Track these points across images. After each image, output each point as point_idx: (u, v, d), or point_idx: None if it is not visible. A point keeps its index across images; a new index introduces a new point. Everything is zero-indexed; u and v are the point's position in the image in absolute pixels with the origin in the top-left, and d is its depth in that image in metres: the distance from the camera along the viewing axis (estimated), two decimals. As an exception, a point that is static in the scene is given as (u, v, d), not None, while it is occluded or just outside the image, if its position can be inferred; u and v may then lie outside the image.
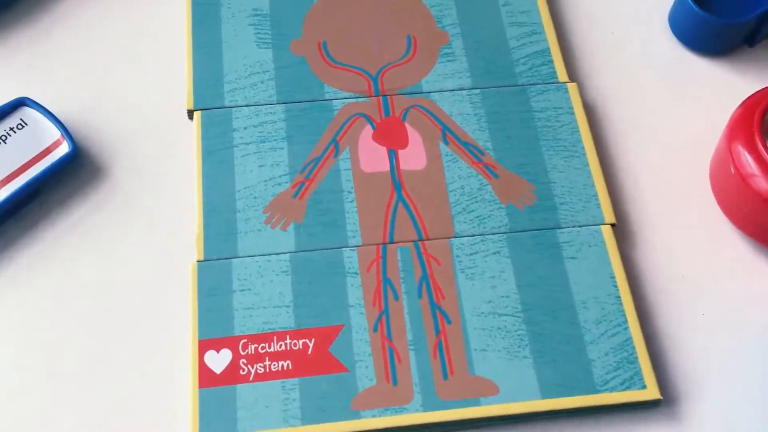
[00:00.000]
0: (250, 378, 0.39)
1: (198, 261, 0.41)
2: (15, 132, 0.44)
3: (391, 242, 0.42)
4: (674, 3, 0.50)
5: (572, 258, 0.42)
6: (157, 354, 0.40)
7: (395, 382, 0.39)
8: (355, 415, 0.38)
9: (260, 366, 0.39)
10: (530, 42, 0.49)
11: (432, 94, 0.47)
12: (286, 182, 0.44)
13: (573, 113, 0.46)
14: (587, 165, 0.44)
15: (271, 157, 0.45)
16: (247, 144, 0.45)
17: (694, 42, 0.50)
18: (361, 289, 0.41)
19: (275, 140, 0.45)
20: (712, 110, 0.48)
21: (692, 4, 0.47)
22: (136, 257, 0.43)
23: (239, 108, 0.46)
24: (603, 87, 0.49)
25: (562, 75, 0.47)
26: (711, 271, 0.43)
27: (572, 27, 0.51)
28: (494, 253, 0.42)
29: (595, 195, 0.44)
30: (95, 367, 0.40)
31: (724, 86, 0.49)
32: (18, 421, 0.39)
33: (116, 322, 0.41)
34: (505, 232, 0.42)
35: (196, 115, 0.46)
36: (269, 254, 0.42)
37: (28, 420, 0.39)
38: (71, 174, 0.45)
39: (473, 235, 0.42)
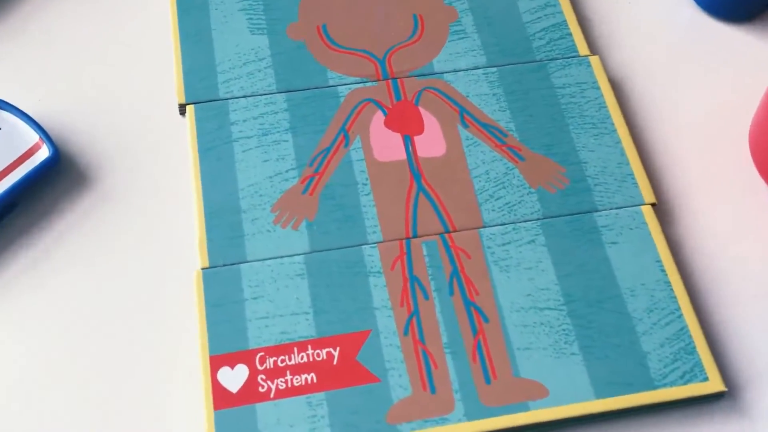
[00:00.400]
0: (271, 395, 0.35)
1: (202, 269, 0.37)
2: (-12, 137, 0.40)
3: (415, 236, 0.38)
4: (692, -32, 0.47)
5: (613, 243, 0.38)
6: (164, 376, 0.36)
7: (433, 390, 0.35)
8: (392, 429, 0.34)
9: (281, 381, 0.35)
10: (545, 15, 0.45)
11: (445, 74, 0.43)
12: (294, 177, 0.40)
13: (598, 88, 0.43)
14: (619, 142, 0.41)
15: (275, 151, 0.41)
16: (248, 138, 0.41)
17: (717, 8, 0.47)
18: (386, 289, 0.37)
19: (278, 132, 0.41)
20: (742, 78, 0.45)
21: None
22: (132, 269, 0.39)
23: (236, 99, 0.42)
24: (625, 60, 0.45)
25: (582, 48, 0.44)
26: (760, 248, 0.40)
27: (585, -1, 0.48)
28: (529, 242, 0.38)
29: (631, 174, 0.40)
30: (95, 397, 0.35)
31: (752, 53, 0.46)
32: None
33: (114, 343, 0.37)
34: (538, 219, 0.39)
35: (189, 109, 0.42)
36: (281, 257, 0.38)
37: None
38: (53, 181, 0.41)
39: (504, 224, 0.39)
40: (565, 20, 0.45)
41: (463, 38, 0.44)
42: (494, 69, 0.43)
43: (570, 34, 0.44)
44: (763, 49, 0.46)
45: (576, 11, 0.46)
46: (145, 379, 0.36)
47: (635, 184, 0.40)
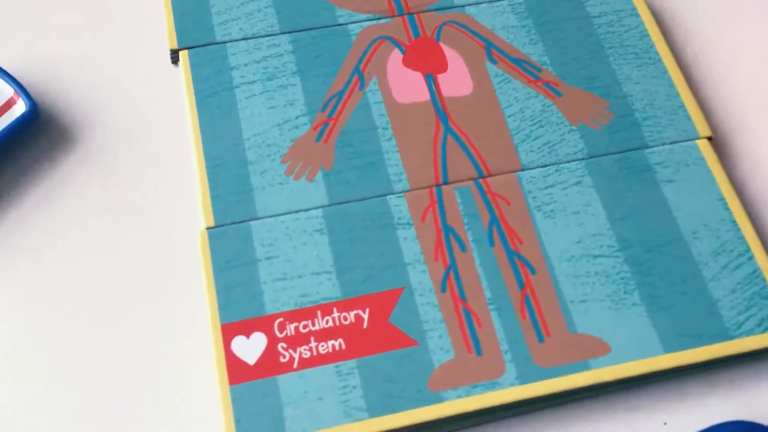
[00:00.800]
0: (294, 365, 0.30)
1: (207, 228, 0.33)
2: (-44, 92, 0.36)
3: (446, 183, 0.34)
4: None
5: (669, 181, 0.34)
6: (172, 350, 0.31)
7: (479, 352, 0.31)
8: (436, 397, 0.30)
9: (305, 349, 0.30)
10: (571, -59, 0.41)
11: (467, 7, 0.39)
12: (305, 124, 0.35)
13: (638, 15, 0.38)
14: (666, 72, 0.37)
15: (282, 97, 0.36)
16: (251, 83, 0.36)
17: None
18: (417, 242, 0.33)
19: (284, 76, 0.37)
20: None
21: None
22: (127, 235, 0.34)
23: (235, 42, 0.37)
24: (660, -12, 0.41)
25: (615, -25, 0.40)
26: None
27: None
28: (574, 184, 0.34)
29: (682, 106, 0.36)
30: (100, 378, 0.31)
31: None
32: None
33: (113, 319, 0.32)
34: (582, 159, 0.35)
35: (182, 55, 0.37)
36: (297, 211, 0.33)
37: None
38: (34, 140, 0.36)
39: (545, 166, 0.35)
40: (594, -55, 0.41)
41: (483, -31, 0.40)
42: None
43: (601, -40, 0.40)
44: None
45: (603, -62, 0.42)
46: (151, 356, 0.31)
47: (688, 116, 0.36)
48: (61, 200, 0.35)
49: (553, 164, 0.34)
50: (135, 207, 0.35)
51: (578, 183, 0.34)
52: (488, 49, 0.37)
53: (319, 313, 0.31)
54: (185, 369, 0.31)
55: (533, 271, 0.32)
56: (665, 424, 0.30)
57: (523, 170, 0.34)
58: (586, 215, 0.33)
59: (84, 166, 0.36)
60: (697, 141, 0.35)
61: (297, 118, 0.35)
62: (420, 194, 0.34)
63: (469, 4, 0.39)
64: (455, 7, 0.38)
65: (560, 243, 0.33)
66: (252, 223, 0.33)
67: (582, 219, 0.33)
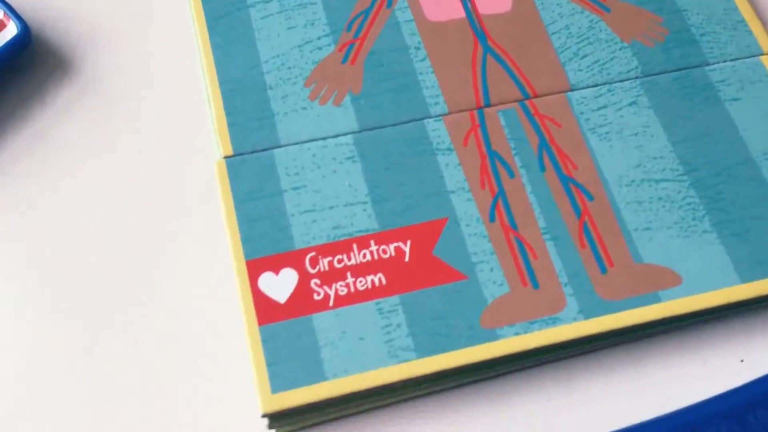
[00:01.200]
0: (330, 303, 0.27)
1: (225, 157, 0.30)
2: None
3: (488, 106, 0.31)
4: None
5: (734, 99, 0.31)
6: (191, 292, 0.28)
7: (536, 285, 0.27)
8: (490, 335, 0.26)
9: (341, 285, 0.27)
10: None
11: None
12: (329, 45, 0.32)
13: (687, -74, 0.35)
14: (721, -14, 0.34)
15: (302, 16, 0.33)
16: (266, 2, 0.33)
17: None
18: (460, 168, 0.29)
19: (303, -5, 0.33)
20: None
21: None
22: (133, 167, 0.31)
23: (247, -41, 0.34)
24: None
25: None
26: None
27: None
28: (630, 104, 0.31)
29: (743, 21, 0.33)
30: (117, 322, 0.28)
31: None
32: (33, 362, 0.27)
33: (127, 260, 0.29)
34: (637, 77, 0.32)
35: (190, -26, 0.34)
36: (324, 138, 0.30)
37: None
38: (27, 66, 0.32)
39: (596, 85, 0.31)
40: None
41: None
42: None
43: None
44: None
45: None
46: (168, 301, 0.28)
47: (749, 32, 0.33)
48: (59, 132, 0.31)
49: (605, 84, 0.31)
50: (141, 138, 0.31)
51: (634, 103, 0.31)
52: (526, -37, 0.34)
53: (354, 246, 0.28)
54: (207, 312, 0.28)
55: (590, 198, 0.29)
56: (742, 361, 0.28)
57: (572, 90, 0.31)
58: (645, 137, 0.30)
59: (84, 94, 0.32)
60: (761, 57, 0.32)
61: (319, 38, 0.32)
62: (460, 117, 0.30)
63: None
64: None
65: (618, 167, 0.29)
66: (275, 151, 0.29)
67: (640, 141, 0.30)
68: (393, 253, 0.28)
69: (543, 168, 0.29)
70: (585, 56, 0.32)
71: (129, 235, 0.29)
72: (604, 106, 0.31)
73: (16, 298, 0.28)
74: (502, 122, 0.30)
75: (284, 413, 0.25)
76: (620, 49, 0.32)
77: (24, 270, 0.29)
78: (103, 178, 0.30)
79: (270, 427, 0.26)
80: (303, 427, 0.27)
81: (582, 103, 0.31)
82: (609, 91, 0.31)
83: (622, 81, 0.31)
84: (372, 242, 0.28)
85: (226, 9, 0.32)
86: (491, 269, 0.27)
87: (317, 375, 0.25)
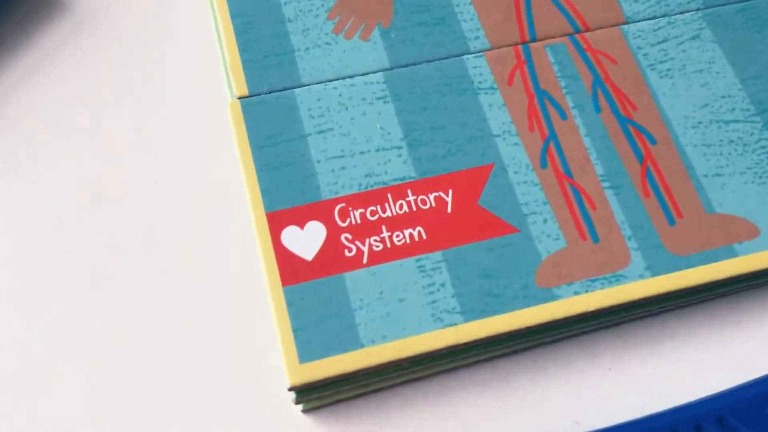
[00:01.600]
0: (364, 260, 0.24)
1: (240, 98, 0.26)
2: None
3: (534, 40, 0.28)
4: None
5: (808, 32, 0.28)
6: (209, 247, 0.25)
7: (596, 239, 0.24)
8: (547, 294, 0.23)
9: (376, 240, 0.24)
10: None
11: None
12: (354, -27, 0.29)
13: None
14: None
15: (322, -58, 0.29)
16: (281, -73, 0.30)
17: None
18: (506, 109, 0.26)
19: None
20: None
21: None
22: (139, 111, 0.27)
23: None
24: None
25: None
26: None
27: None
28: (692, 38, 0.28)
29: (813, -55, 0.30)
30: (124, 284, 0.25)
31: None
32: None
33: (133, 217, 0.26)
34: (698, 9, 0.28)
35: None
36: (351, 76, 0.27)
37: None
38: (19, 4, 0.29)
39: (654, 18, 0.28)
40: None
41: None
42: None
43: None
44: None
45: None
46: (186, 260, 0.25)
47: (821, -43, 0.30)
48: (55, 71, 0.28)
49: (664, 16, 0.28)
50: (143, 79, 0.28)
51: (696, 37, 0.28)
52: None
53: (389, 196, 0.25)
54: (225, 272, 0.25)
55: (653, 141, 0.26)
56: (827, 322, 0.25)
57: (627, 23, 0.28)
58: (711, 74, 0.27)
59: (80, 31, 0.29)
60: (836, -14, 0.29)
61: (342, -33, 0.29)
62: (503, 53, 0.27)
63: None
64: None
65: (683, 107, 0.26)
66: (296, 90, 0.26)
67: (706, 78, 0.27)
68: (433, 204, 0.24)
69: (598, 108, 0.26)
70: (640, -15, 0.29)
71: (133, 190, 0.26)
72: (664, 40, 0.27)
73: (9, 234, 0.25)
74: (551, 58, 0.27)
75: (313, 386, 0.22)
76: (679, -22, 0.29)
77: (22, 214, 0.26)
78: (100, 121, 0.27)
79: (297, 401, 0.23)
80: (334, 401, 0.24)
81: (639, 36, 0.27)
82: (669, 23, 0.28)
83: (682, 13, 0.28)
84: (409, 192, 0.25)
85: (236, -66, 0.29)
86: (545, 221, 0.24)
87: (351, 342, 0.22)
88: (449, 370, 0.24)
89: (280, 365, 0.22)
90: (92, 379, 0.23)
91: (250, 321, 0.24)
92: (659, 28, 0.28)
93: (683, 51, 0.27)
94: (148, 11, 0.29)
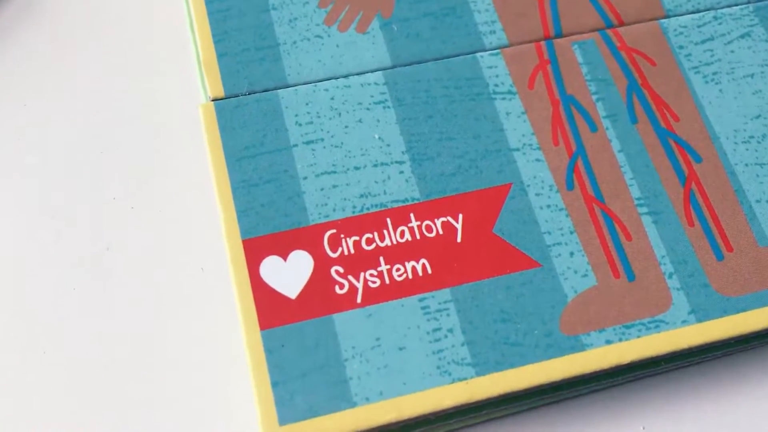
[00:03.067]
0: (358, 299, 0.20)
1: (213, 100, 0.23)
2: None
3: (560, 35, 0.24)
4: None
5: None
6: (176, 280, 0.21)
7: (631, 276, 0.21)
8: (574, 344, 0.20)
9: (372, 275, 0.20)
10: None
11: None
12: (350, -46, 0.25)
13: None
14: None
15: None
16: None
17: None
18: (526, 118, 0.23)
19: None
20: None
21: None
22: (99, 111, 0.24)
23: None
24: None
25: None
26: None
27: None
28: (742, 36, 0.24)
29: None
30: (81, 316, 0.21)
31: None
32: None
33: (94, 244, 0.22)
34: (749, 2, 0.25)
35: None
36: (345, 76, 0.23)
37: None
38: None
39: (698, 11, 0.24)
40: None
41: None
42: None
43: None
44: None
45: None
46: (151, 297, 0.21)
47: None
48: (4, 65, 0.24)
49: (709, 9, 0.24)
50: (106, 76, 0.24)
51: (747, 35, 0.24)
52: None
53: (389, 221, 0.21)
54: (195, 310, 0.21)
55: (698, 159, 0.22)
56: None
57: (667, 17, 0.24)
58: (765, 79, 0.23)
59: (28, 15, 0.25)
60: None
61: (337, -55, 0.25)
62: (523, 51, 0.23)
63: None
64: None
65: (732, 118, 0.23)
66: (281, 92, 0.22)
67: (759, 84, 0.23)
68: (440, 232, 0.21)
69: (634, 119, 0.23)
70: (682, -27, 0.25)
71: (88, 206, 0.22)
72: (710, 39, 0.24)
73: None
74: (579, 58, 0.23)
75: (296, 449, 0.19)
76: (727, -35, 0.25)
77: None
78: (57, 131, 0.23)
79: (276, 465, 0.20)
80: (321, 464, 0.20)
81: (681, 33, 0.24)
82: (715, 19, 0.24)
83: (729, 7, 0.24)
84: (412, 216, 0.21)
85: None
86: (571, 254, 0.21)
87: (341, 399, 0.19)
88: (457, 429, 0.20)
89: (256, 427, 0.19)
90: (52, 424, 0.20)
91: (222, 371, 0.20)
92: (704, 24, 0.24)
93: (732, 51, 0.23)
94: (110, -6, 0.25)
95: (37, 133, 0.23)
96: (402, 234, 0.21)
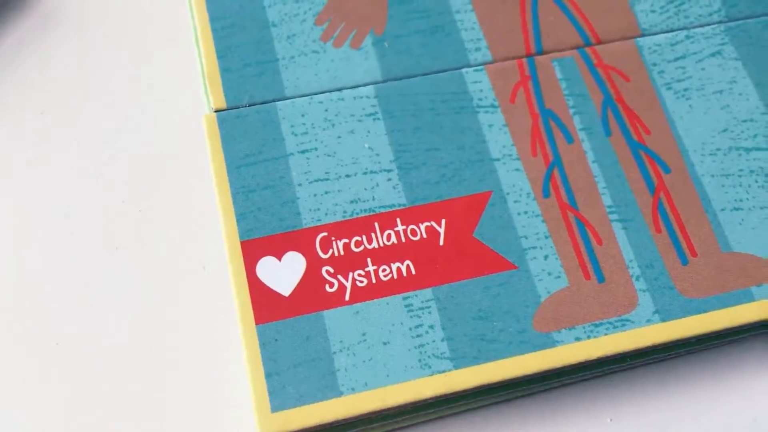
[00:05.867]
0: (346, 297, 0.22)
1: (216, 111, 0.24)
2: None
3: (540, 53, 0.25)
4: None
5: (840, 51, 0.26)
6: (177, 277, 0.23)
7: (600, 278, 0.22)
8: (546, 340, 0.21)
9: (360, 275, 0.22)
10: None
11: None
12: (346, -26, 0.27)
13: None
14: None
15: (312, -61, 0.27)
16: None
17: None
18: (507, 130, 0.24)
19: None
20: None
21: None
22: (106, 121, 0.25)
23: None
24: None
25: None
26: None
27: None
28: (713, 55, 0.25)
29: None
30: (81, 310, 0.23)
31: None
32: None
33: (99, 243, 0.24)
34: (721, 22, 0.26)
35: None
36: (339, 89, 0.24)
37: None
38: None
39: (672, 30, 0.26)
40: None
41: None
42: None
43: None
44: None
45: None
46: (153, 292, 0.23)
47: None
48: (16, 75, 0.26)
49: (682, 29, 0.26)
50: (113, 87, 0.26)
51: (717, 53, 0.25)
52: None
53: (376, 225, 0.23)
54: (194, 306, 0.23)
55: (666, 169, 0.24)
56: None
57: (642, 36, 0.26)
58: (732, 96, 0.25)
59: (43, 29, 0.26)
60: None
61: (334, -34, 0.26)
62: (506, 67, 0.25)
63: None
64: None
65: (700, 132, 0.24)
66: (279, 104, 0.24)
67: (727, 100, 0.25)
68: (424, 235, 0.22)
69: (608, 132, 0.24)
70: (658, -6, 0.26)
71: (98, 208, 0.24)
72: (682, 57, 0.25)
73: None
74: (558, 74, 0.25)
75: (287, 435, 0.21)
76: (701, -13, 0.26)
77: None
78: (62, 138, 0.25)
79: (269, 449, 0.21)
80: (310, 451, 0.22)
81: (655, 51, 0.25)
82: (687, 38, 0.25)
83: (702, 26, 0.26)
84: (398, 221, 0.23)
85: (219, -73, 0.27)
86: (545, 257, 0.22)
87: (329, 389, 0.20)
88: (436, 419, 0.22)
89: (250, 413, 0.20)
90: (51, 413, 0.22)
91: (220, 362, 0.22)
92: (677, 43, 0.25)
93: (702, 69, 0.25)
94: (120, 11, 0.27)
95: (53, 140, 0.25)
96: (389, 237, 0.22)
